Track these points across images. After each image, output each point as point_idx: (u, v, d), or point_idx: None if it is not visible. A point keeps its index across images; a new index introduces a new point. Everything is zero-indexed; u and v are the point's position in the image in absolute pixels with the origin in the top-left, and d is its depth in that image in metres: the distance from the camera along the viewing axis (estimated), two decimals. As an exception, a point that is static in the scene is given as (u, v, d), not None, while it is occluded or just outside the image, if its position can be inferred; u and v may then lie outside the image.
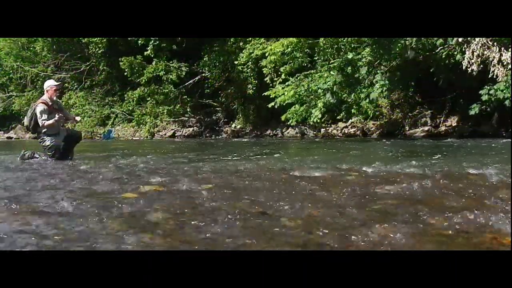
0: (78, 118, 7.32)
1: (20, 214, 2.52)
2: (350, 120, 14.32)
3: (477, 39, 8.92)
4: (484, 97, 9.18)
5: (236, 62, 16.20)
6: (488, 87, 9.15)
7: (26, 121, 6.31)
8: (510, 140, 8.51)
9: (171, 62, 17.86)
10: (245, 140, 14.71)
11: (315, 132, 15.45)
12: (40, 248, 1.87)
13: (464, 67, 9.20)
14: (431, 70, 11.45)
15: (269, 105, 13.11)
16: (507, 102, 8.88)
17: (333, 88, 11.08)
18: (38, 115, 6.06)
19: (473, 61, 9.01)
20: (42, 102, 6.15)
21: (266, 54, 13.93)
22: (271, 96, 13.01)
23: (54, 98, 6.29)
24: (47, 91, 6.27)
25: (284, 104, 12.48)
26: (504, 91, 8.80)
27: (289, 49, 12.94)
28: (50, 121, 6.04)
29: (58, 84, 6.70)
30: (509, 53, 8.65)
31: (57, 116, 6.09)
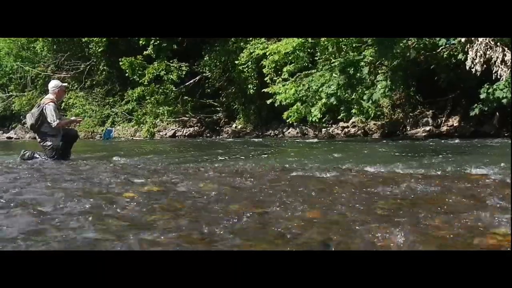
0: (79, 119, 7.55)
1: (20, 214, 2.51)
2: (351, 120, 14.31)
3: (480, 39, 8.90)
4: (483, 95, 9.16)
5: (236, 62, 16.21)
6: (487, 86, 9.13)
7: (31, 120, 6.10)
8: (510, 140, 8.50)
9: (171, 62, 17.86)
10: (245, 140, 14.70)
11: (316, 132, 15.45)
12: (39, 248, 1.87)
13: (467, 68, 9.19)
14: (431, 67, 11.43)
15: (268, 101, 13.15)
16: (504, 101, 8.85)
17: (337, 92, 11.06)
18: (50, 114, 5.98)
19: (476, 61, 8.99)
20: (53, 102, 6.10)
21: (267, 54, 13.92)
22: (270, 92, 13.04)
23: (61, 99, 6.32)
24: (55, 91, 6.21)
25: (285, 104, 12.49)
26: (504, 90, 8.78)
27: (292, 49, 12.94)
28: (64, 122, 6.08)
29: (66, 85, 6.72)
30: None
31: (73, 118, 6.22)
